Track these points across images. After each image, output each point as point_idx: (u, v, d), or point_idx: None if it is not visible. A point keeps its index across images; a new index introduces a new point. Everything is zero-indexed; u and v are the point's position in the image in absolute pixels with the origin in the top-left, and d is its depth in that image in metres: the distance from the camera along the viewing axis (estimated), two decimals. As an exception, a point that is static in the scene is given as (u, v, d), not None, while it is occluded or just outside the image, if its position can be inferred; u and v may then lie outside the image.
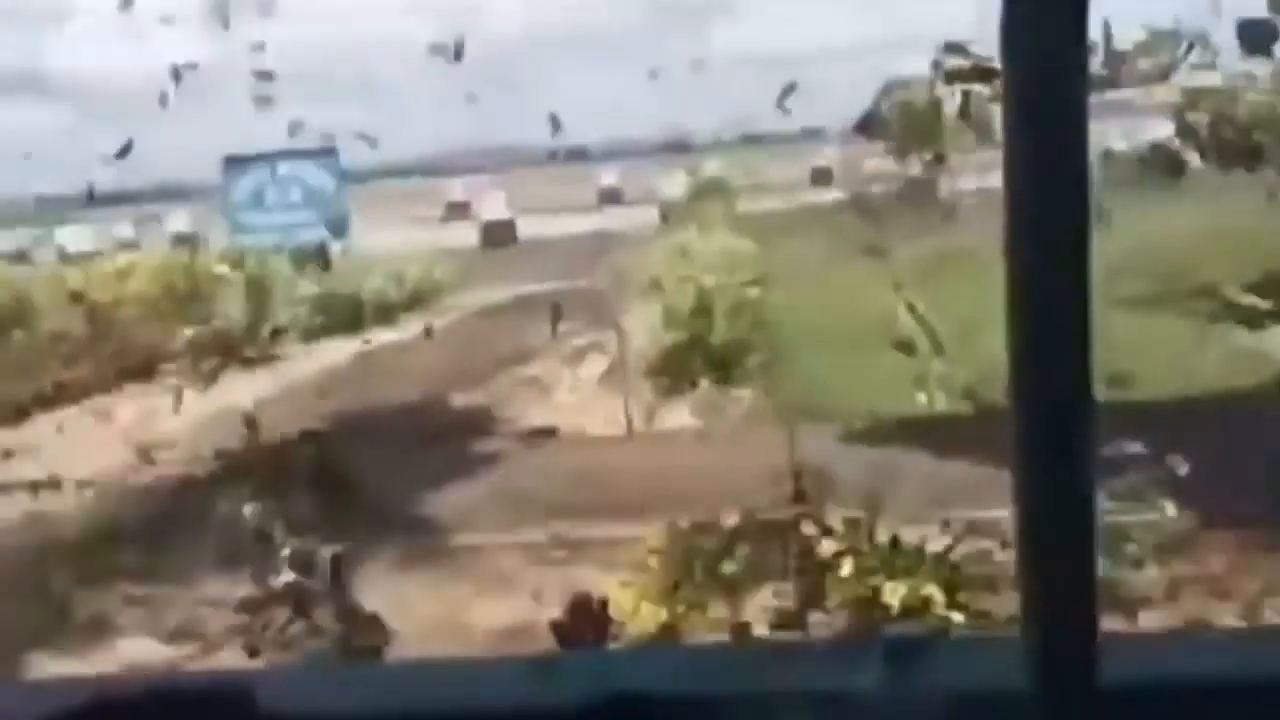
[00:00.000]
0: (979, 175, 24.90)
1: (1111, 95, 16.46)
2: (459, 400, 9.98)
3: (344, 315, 14.24)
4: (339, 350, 13.07)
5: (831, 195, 23.41)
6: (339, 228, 18.77)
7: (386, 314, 14.75)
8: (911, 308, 12.67)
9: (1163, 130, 18.37)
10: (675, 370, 10.22)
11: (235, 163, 18.73)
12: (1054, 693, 1.09)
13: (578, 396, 10.14)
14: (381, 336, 13.74)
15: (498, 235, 23.14)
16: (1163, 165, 15.60)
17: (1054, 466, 1.04)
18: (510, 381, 10.79)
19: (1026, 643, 1.09)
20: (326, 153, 19.68)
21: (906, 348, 11.44)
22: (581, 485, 7.89)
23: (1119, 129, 17.95)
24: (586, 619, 4.87)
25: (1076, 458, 1.04)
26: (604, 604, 4.97)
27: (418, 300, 15.50)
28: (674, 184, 20.41)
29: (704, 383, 9.96)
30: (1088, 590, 1.07)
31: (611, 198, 35.05)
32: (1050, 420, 1.04)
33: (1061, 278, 1.00)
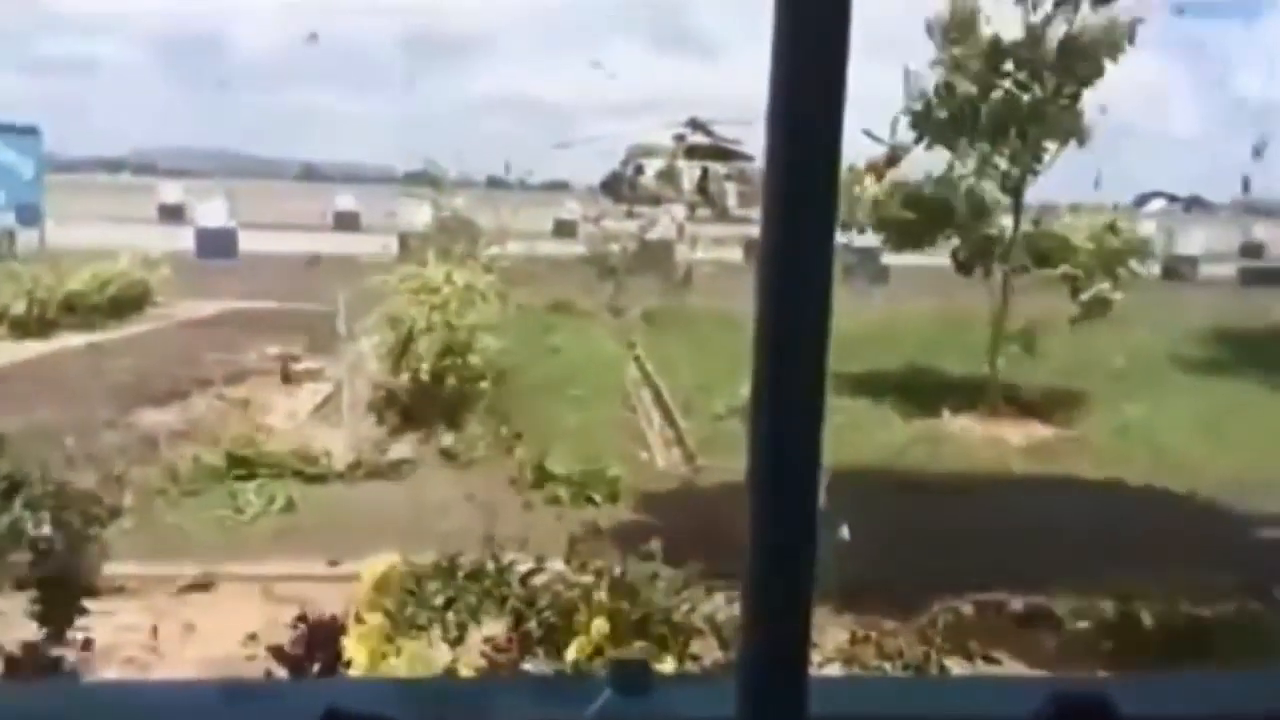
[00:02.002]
0: (714, 245, 26.16)
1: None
2: (149, 417, 8.99)
3: (29, 315, 12.56)
4: (13, 352, 11.49)
5: (574, 248, 23.79)
6: (30, 215, 16.83)
7: (83, 318, 13.17)
8: (641, 366, 12.96)
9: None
10: (400, 407, 9.77)
11: (-94, 125, 16.45)
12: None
13: (291, 425, 9.42)
14: (72, 341, 12.28)
15: (215, 245, 21.60)
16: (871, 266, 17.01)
17: (782, 521, 1.11)
18: (211, 401, 9.87)
19: (741, 681, 1.14)
20: (26, 131, 17.70)
21: (633, 405, 11.68)
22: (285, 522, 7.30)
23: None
24: (314, 644, 4.53)
25: (802, 516, 1.12)
26: (335, 629, 4.60)
27: (120, 305, 14.00)
28: (417, 216, 19.85)
29: (429, 423, 9.57)
30: (801, 635, 1.15)
31: (348, 222, 33.93)
32: (781, 479, 1.12)
33: (804, 356, 1.11)
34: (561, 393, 10.99)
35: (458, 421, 9.74)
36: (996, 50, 10.73)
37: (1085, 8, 10.67)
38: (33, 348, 11.80)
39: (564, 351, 13.14)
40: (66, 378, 9.88)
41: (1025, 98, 10.71)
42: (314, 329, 12.40)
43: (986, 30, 10.81)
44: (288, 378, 11.11)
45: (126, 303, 14.12)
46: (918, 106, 10.90)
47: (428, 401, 9.82)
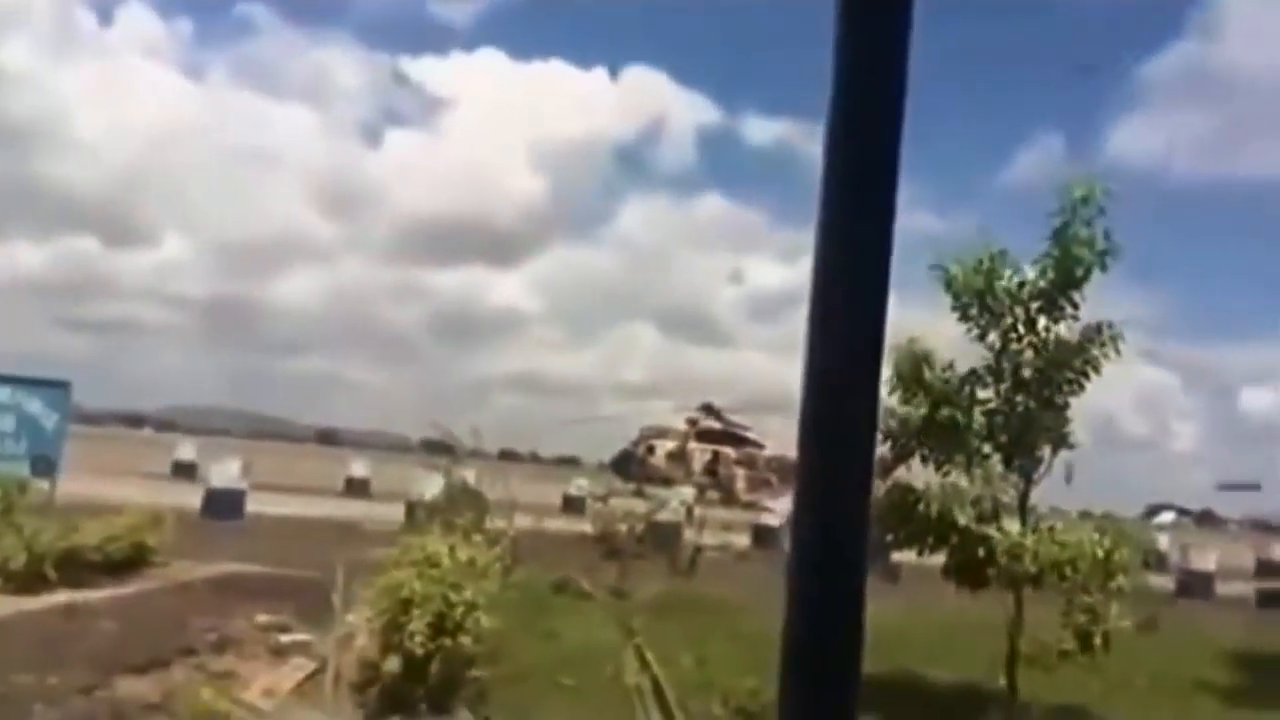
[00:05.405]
0: (722, 531, 25.86)
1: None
2: (125, 686, 8.60)
3: (27, 570, 12.32)
4: (2, 608, 11.20)
5: (581, 525, 23.65)
6: (45, 466, 16.97)
7: (79, 574, 12.91)
8: (641, 655, 12.50)
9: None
10: (385, 688, 9.34)
11: (-58, 376, 16.97)
12: None
13: (268, 702, 8.98)
14: (63, 598, 11.97)
15: (223, 505, 21.57)
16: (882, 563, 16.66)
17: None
18: (191, 672, 9.47)
19: None
20: (55, 384, 18.21)
21: (629, 698, 11.13)
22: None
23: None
24: None
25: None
26: None
27: (117, 564, 13.78)
28: (426, 485, 19.97)
29: (414, 707, 9.11)
30: None
31: (359, 488, 34.06)
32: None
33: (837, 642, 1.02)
34: (554, 681, 10.53)
35: (445, 707, 9.27)
36: (970, 378, 11.02)
37: (1058, 327, 11.01)
38: (23, 604, 11.52)
39: (562, 635, 12.73)
40: (50, 639, 9.57)
41: (1009, 413, 10.89)
42: (309, 596, 12.11)
43: (940, 369, 11.07)
44: (273, 650, 10.73)
45: (124, 561, 13.92)
46: (895, 431, 11.02)
47: (415, 683, 9.39)
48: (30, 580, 12.22)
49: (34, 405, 17.39)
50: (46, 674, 8.36)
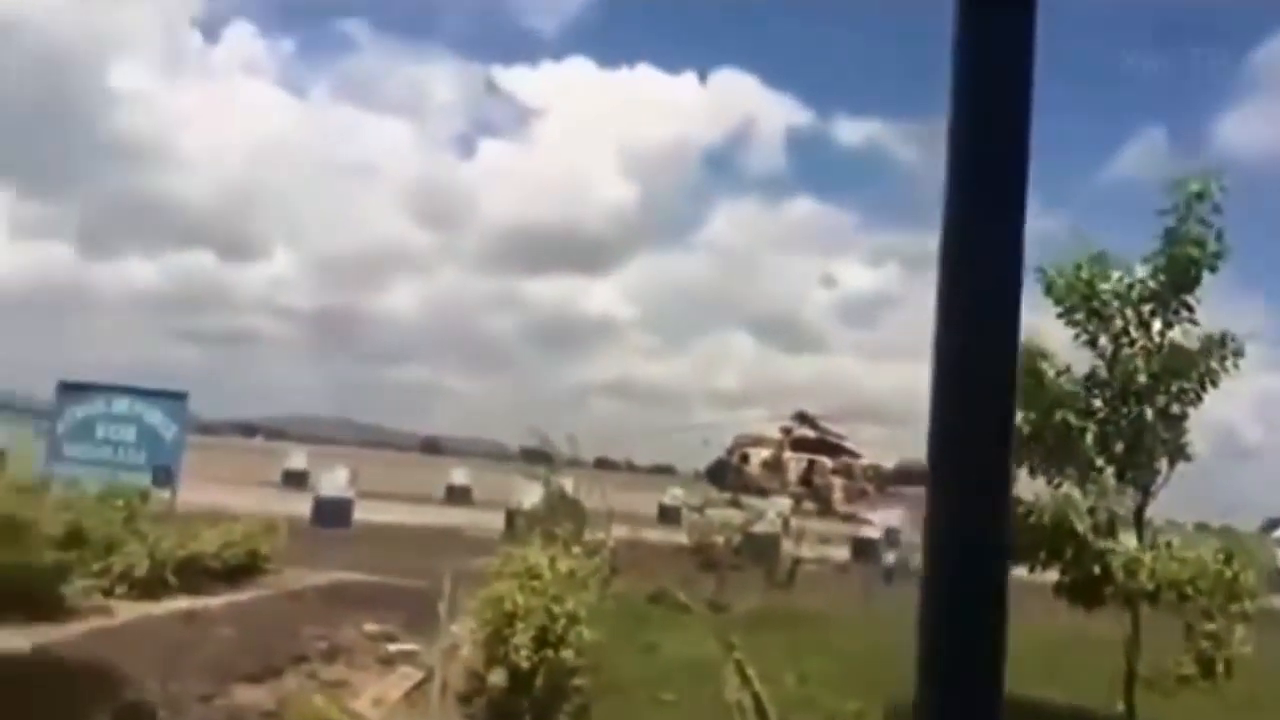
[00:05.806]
0: (819, 543, 25.50)
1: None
2: (242, 695, 8.91)
3: (150, 576, 12.84)
4: (127, 614, 11.71)
5: (676, 535, 23.62)
6: (165, 476, 17.70)
7: (197, 581, 13.42)
8: (742, 671, 12.40)
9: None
10: (489, 700, 9.47)
11: (70, 389, 17.83)
12: None
13: (376, 711, 9.19)
14: (183, 605, 12.43)
15: (331, 513, 22.18)
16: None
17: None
18: (304, 680, 9.75)
19: None
20: (173, 396, 18.98)
21: (730, 714, 11.06)
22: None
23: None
24: None
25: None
26: None
27: (233, 570, 14.30)
28: (527, 495, 20.21)
29: (521, 719, 9.21)
30: None
31: (460, 496, 34.71)
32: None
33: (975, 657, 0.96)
34: (655, 696, 10.53)
35: (547, 720, 9.35)
36: (1089, 383, 10.62)
37: (1172, 332, 10.51)
38: (147, 609, 12.01)
39: (660, 648, 12.72)
40: (172, 644, 9.96)
41: (1123, 422, 10.46)
42: (414, 605, 12.37)
43: (1055, 370, 10.69)
44: (381, 659, 10.97)
45: (240, 568, 14.43)
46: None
47: (520, 696, 9.49)
48: (152, 585, 12.74)
49: (154, 416, 18.12)
50: (169, 680, 8.69)
